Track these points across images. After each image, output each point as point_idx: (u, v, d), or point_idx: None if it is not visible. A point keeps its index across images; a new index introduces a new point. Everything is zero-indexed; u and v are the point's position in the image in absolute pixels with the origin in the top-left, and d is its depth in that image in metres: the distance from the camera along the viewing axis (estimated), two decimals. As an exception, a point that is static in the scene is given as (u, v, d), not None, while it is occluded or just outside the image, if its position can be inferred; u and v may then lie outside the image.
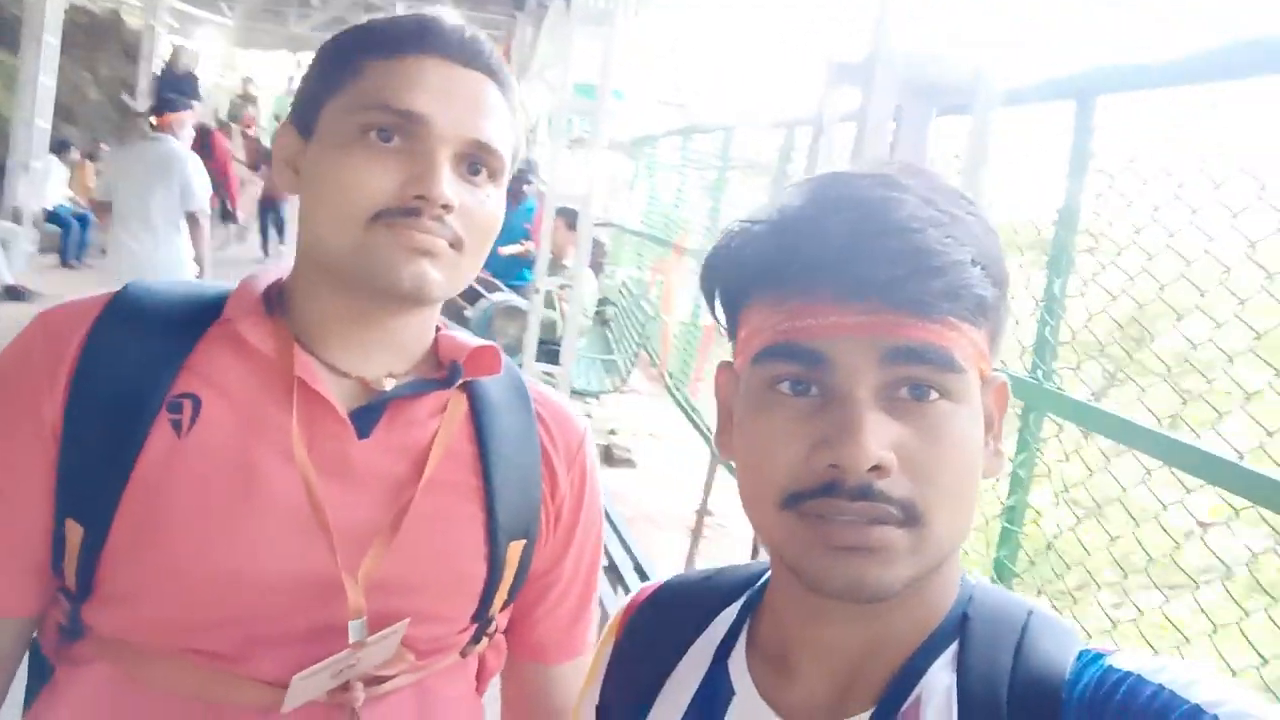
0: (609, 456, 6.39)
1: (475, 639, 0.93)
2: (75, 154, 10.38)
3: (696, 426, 5.21)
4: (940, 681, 0.61)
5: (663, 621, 0.76)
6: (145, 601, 0.80)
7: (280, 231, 11.33)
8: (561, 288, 5.65)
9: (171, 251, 4.69)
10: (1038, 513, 2.09)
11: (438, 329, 0.93)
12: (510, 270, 6.61)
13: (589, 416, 7.19)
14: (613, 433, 6.74)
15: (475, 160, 0.83)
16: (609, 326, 7.41)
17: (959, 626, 0.63)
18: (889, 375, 0.58)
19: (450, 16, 0.86)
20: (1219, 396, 1.69)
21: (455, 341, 0.92)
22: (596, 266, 8.43)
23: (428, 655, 0.88)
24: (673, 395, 5.95)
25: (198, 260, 4.83)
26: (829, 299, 0.58)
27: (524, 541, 0.91)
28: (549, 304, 5.77)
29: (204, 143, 8.27)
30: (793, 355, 0.59)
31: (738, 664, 0.69)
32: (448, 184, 0.79)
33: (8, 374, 0.83)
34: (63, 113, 10.03)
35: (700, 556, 3.98)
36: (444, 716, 0.91)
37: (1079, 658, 0.60)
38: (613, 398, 7.75)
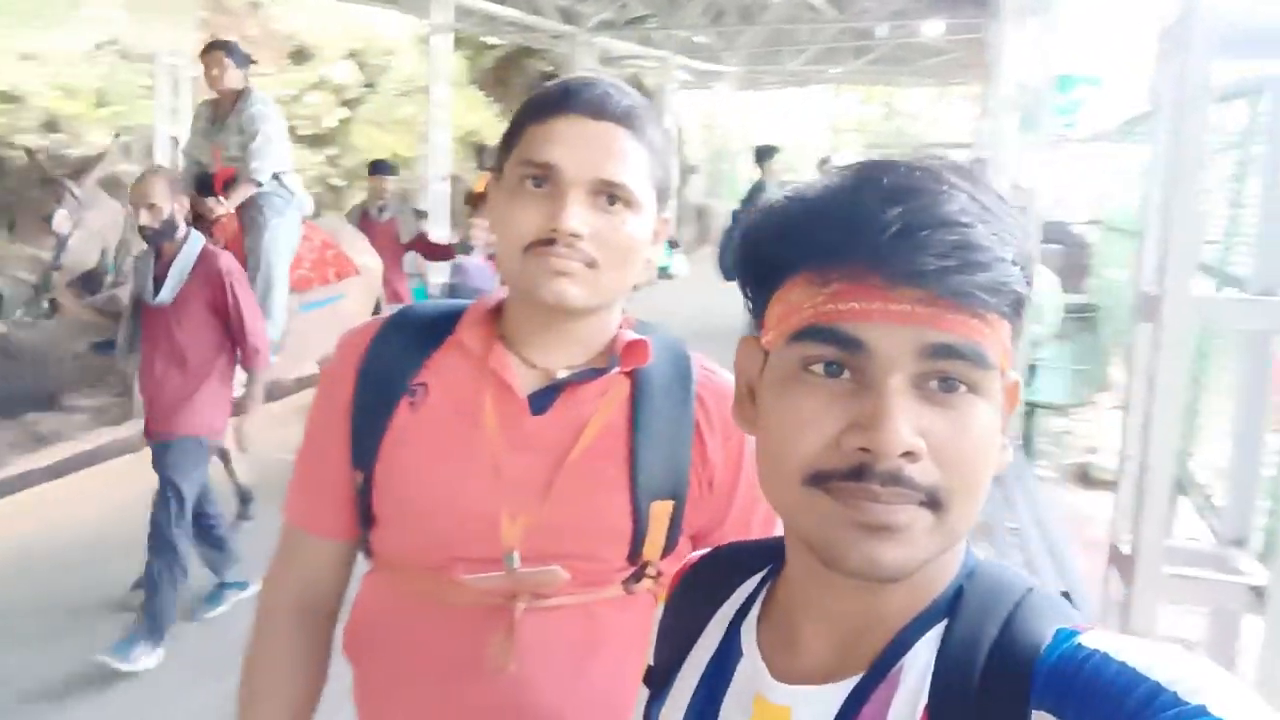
0: (1084, 478, 5.83)
1: (636, 578, 1.10)
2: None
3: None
4: (923, 654, 0.63)
5: (699, 588, 0.81)
6: (393, 527, 1.11)
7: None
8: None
9: None
10: None
11: (622, 325, 1.13)
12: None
13: (1067, 434, 6.61)
14: (1092, 451, 6.13)
15: (608, 194, 1.01)
16: (1095, 333, 6.75)
17: (953, 601, 0.64)
18: (925, 367, 0.59)
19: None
20: None
21: (623, 337, 1.11)
22: (1079, 269, 7.72)
23: (586, 585, 1.08)
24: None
25: None
26: (875, 285, 0.58)
27: (672, 502, 1.08)
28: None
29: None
30: (832, 338, 0.60)
31: (749, 630, 0.73)
32: (575, 217, 0.99)
33: (327, 372, 1.18)
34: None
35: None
36: (609, 637, 1.10)
37: (1056, 634, 0.59)
38: (1099, 413, 7.03)
